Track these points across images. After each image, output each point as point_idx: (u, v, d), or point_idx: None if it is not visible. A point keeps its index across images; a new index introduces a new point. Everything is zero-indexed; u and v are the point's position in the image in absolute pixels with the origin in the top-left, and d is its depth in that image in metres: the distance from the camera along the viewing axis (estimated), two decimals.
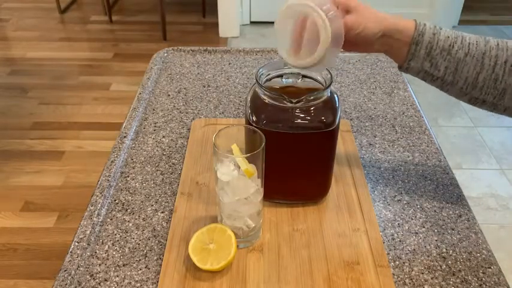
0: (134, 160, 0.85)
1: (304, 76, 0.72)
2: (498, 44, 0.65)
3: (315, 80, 0.71)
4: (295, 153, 0.71)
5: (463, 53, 0.64)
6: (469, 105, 0.70)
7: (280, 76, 0.73)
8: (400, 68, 0.69)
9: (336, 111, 0.69)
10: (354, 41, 0.66)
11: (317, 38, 0.62)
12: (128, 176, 0.82)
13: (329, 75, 0.69)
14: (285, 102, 0.66)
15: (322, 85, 0.70)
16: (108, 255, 0.68)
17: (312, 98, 0.67)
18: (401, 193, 0.79)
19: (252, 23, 3.22)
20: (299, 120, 0.68)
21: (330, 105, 0.69)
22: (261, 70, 0.71)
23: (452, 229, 0.73)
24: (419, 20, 0.67)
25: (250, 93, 0.71)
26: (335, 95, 0.71)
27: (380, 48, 0.68)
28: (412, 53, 0.66)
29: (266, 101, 0.68)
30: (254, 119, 0.69)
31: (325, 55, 0.63)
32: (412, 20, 0.66)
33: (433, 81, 0.68)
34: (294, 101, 0.66)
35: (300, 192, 0.75)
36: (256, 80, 0.68)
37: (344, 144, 0.87)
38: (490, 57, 0.64)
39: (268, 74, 0.72)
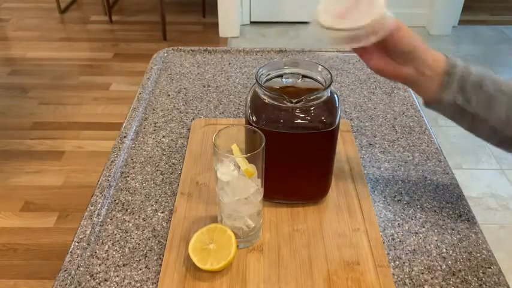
0: (134, 160, 0.85)
1: (304, 76, 0.72)
2: None
3: (315, 80, 0.71)
4: (295, 153, 0.71)
5: (494, 89, 0.62)
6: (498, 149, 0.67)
7: (280, 76, 0.73)
8: (429, 103, 0.65)
9: (336, 111, 0.69)
10: (390, 47, 0.63)
11: (367, 9, 0.60)
12: (128, 176, 0.82)
13: (329, 75, 0.69)
14: (285, 102, 0.66)
15: (322, 85, 0.70)
16: (108, 255, 0.68)
17: (312, 98, 0.67)
18: (401, 193, 0.79)
19: (252, 23, 3.22)
20: (299, 120, 0.68)
21: (330, 105, 0.69)
22: (261, 70, 0.71)
23: (452, 229, 0.73)
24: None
25: (250, 93, 0.71)
26: (335, 95, 0.71)
27: (412, 72, 0.63)
28: (444, 85, 0.62)
29: (266, 101, 0.68)
30: (254, 119, 0.69)
31: (367, 26, 0.59)
32: (439, 52, 0.64)
33: (462, 118, 0.64)
34: (294, 101, 0.66)
35: (300, 192, 0.75)
36: (256, 80, 0.68)
37: (344, 144, 0.87)
38: None
39: (268, 74, 0.72)
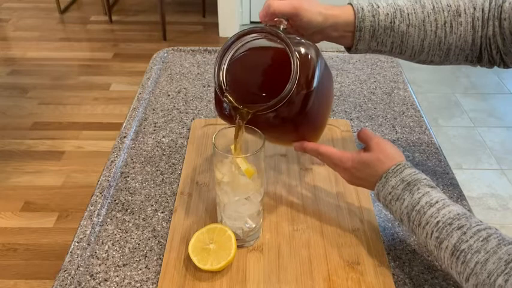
0: (134, 160, 0.85)
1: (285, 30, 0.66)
2: (434, 8, 0.68)
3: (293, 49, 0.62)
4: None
5: (405, 26, 0.68)
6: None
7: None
8: (349, 50, 0.73)
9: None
10: (295, 29, 0.68)
11: None
12: (128, 176, 0.82)
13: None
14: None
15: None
16: (108, 255, 0.68)
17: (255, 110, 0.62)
18: None
19: (252, 23, 3.22)
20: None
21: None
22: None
23: None
24: None
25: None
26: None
27: (324, 38, 0.71)
28: (357, 39, 0.70)
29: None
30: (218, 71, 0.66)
31: None
32: (349, 6, 0.69)
33: (381, 54, 0.73)
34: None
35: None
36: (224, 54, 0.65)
37: (344, 144, 0.87)
38: (430, 22, 0.68)
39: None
